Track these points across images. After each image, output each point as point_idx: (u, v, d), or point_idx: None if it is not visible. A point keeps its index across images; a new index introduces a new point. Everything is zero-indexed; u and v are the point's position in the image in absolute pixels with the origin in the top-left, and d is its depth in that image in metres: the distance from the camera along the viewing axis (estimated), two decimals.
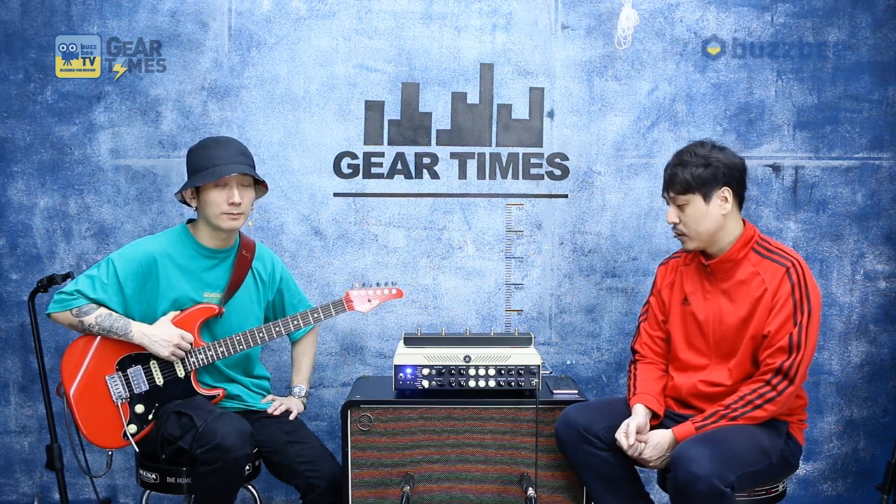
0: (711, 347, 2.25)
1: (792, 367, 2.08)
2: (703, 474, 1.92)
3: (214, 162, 2.31)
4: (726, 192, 2.17)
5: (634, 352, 2.42)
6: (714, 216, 2.17)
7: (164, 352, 2.31)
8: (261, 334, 2.40)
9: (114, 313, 2.31)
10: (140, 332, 2.31)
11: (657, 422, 2.26)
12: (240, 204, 2.32)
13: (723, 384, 2.20)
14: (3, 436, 3.09)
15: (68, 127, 2.99)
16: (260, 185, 2.44)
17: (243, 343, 2.39)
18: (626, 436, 2.15)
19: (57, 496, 2.75)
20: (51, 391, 2.59)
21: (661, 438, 2.14)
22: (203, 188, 2.32)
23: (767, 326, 2.13)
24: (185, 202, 2.41)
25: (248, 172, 2.34)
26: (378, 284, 2.52)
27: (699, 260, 2.28)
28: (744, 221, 2.24)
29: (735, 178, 2.18)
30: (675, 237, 2.28)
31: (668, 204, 2.25)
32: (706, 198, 2.16)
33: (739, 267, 2.20)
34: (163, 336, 2.31)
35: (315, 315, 2.43)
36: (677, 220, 2.21)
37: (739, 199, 2.21)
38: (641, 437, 2.16)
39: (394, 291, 2.52)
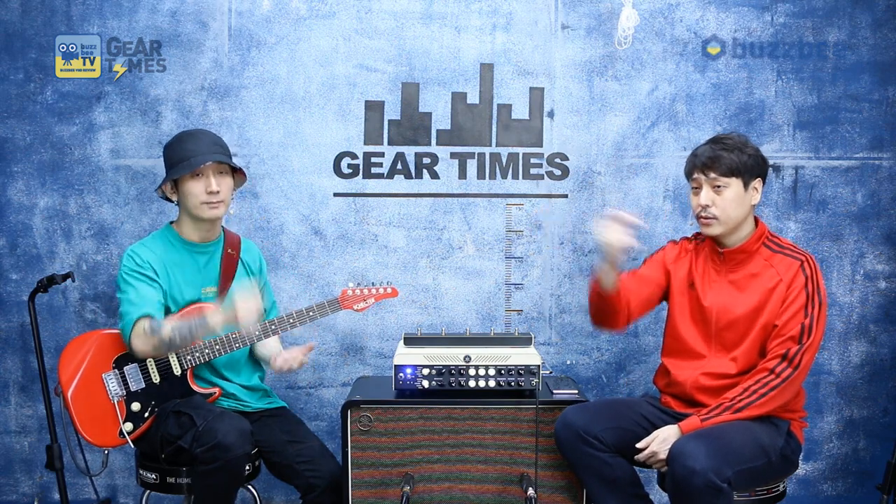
0: (712, 336, 2.26)
1: (798, 354, 2.11)
2: (700, 468, 1.92)
3: (189, 154, 2.33)
4: (758, 184, 2.23)
5: None
6: (746, 205, 2.22)
7: (253, 318, 2.26)
8: (257, 333, 2.40)
9: (184, 318, 2.29)
10: (222, 319, 2.25)
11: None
12: (218, 192, 2.35)
13: (728, 374, 2.21)
14: (3, 436, 3.08)
15: (68, 127, 2.99)
16: (238, 174, 2.46)
17: (240, 341, 2.38)
18: (644, 446, 2.16)
19: (57, 496, 2.75)
20: (51, 391, 2.59)
21: (668, 433, 2.14)
22: (181, 181, 2.34)
23: (780, 316, 2.15)
24: (166, 199, 2.43)
25: (223, 160, 2.37)
26: (373, 284, 2.53)
27: (711, 247, 2.30)
28: (755, 218, 2.28)
29: (765, 173, 2.26)
30: (699, 221, 2.26)
31: (696, 187, 2.25)
32: (745, 185, 2.21)
33: (752, 259, 2.24)
34: (244, 309, 2.24)
35: (311, 313, 2.43)
36: (710, 203, 2.21)
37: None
38: (648, 439, 2.16)
39: (388, 290, 2.53)
